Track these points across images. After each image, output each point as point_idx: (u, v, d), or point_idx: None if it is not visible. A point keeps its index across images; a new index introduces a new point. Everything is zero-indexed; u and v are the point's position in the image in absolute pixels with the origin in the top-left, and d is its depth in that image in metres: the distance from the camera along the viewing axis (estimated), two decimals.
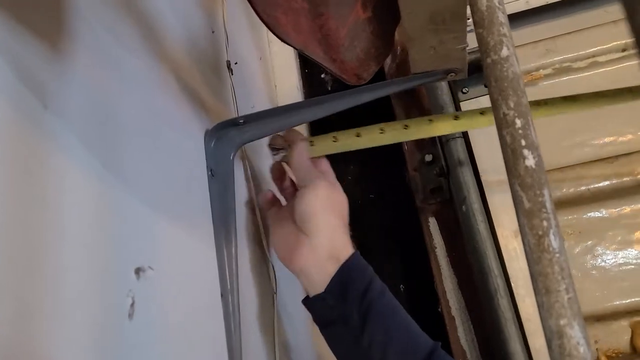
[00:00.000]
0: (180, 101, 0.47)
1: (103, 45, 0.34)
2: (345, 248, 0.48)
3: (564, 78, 0.86)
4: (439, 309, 0.72)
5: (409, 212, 0.80)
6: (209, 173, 0.48)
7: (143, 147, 0.37)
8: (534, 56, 0.87)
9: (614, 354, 0.74)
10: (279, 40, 0.38)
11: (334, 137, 0.53)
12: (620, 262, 0.76)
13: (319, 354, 0.69)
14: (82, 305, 0.26)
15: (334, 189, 0.51)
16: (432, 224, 0.76)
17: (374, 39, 0.43)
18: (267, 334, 0.55)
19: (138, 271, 0.31)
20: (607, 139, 0.81)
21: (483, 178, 0.72)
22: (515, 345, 0.60)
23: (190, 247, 0.41)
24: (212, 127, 0.50)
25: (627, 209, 0.78)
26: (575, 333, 0.27)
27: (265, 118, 0.51)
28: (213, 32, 0.62)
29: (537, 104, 0.54)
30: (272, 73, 0.93)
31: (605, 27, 0.86)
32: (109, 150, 0.32)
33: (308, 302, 0.49)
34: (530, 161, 0.30)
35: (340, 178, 0.54)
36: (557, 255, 0.28)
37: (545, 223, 0.29)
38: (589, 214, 0.79)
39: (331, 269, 0.47)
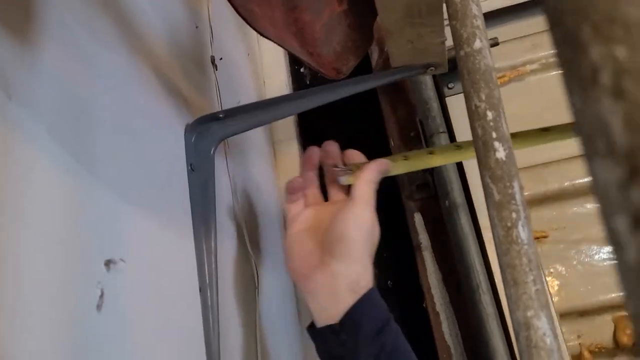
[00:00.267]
0: (161, 97, 0.47)
1: (78, 40, 0.34)
2: (366, 283, 0.45)
3: (551, 73, 0.86)
4: (424, 305, 0.72)
5: (396, 207, 0.80)
6: (189, 168, 0.48)
7: (120, 142, 0.37)
8: (521, 51, 0.87)
9: (597, 349, 0.74)
10: None
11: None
12: (604, 257, 0.77)
13: (305, 347, 0.69)
14: (48, 296, 0.26)
15: (376, 222, 0.48)
16: (418, 219, 0.75)
17: (350, 32, 0.43)
18: (248, 328, 0.55)
19: (108, 263, 0.31)
20: None
21: (468, 173, 0.72)
22: (497, 341, 0.60)
23: (167, 240, 0.41)
24: (192, 121, 0.50)
25: None
26: (542, 324, 0.27)
27: (245, 112, 0.51)
28: (197, 27, 0.61)
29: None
30: (261, 69, 0.93)
31: None
32: (83, 144, 0.32)
33: (315, 332, 0.46)
34: (500, 153, 0.30)
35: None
36: (526, 247, 0.28)
37: (514, 215, 0.29)
38: (573, 209, 0.80)
39: (348, 301, 0.44)
